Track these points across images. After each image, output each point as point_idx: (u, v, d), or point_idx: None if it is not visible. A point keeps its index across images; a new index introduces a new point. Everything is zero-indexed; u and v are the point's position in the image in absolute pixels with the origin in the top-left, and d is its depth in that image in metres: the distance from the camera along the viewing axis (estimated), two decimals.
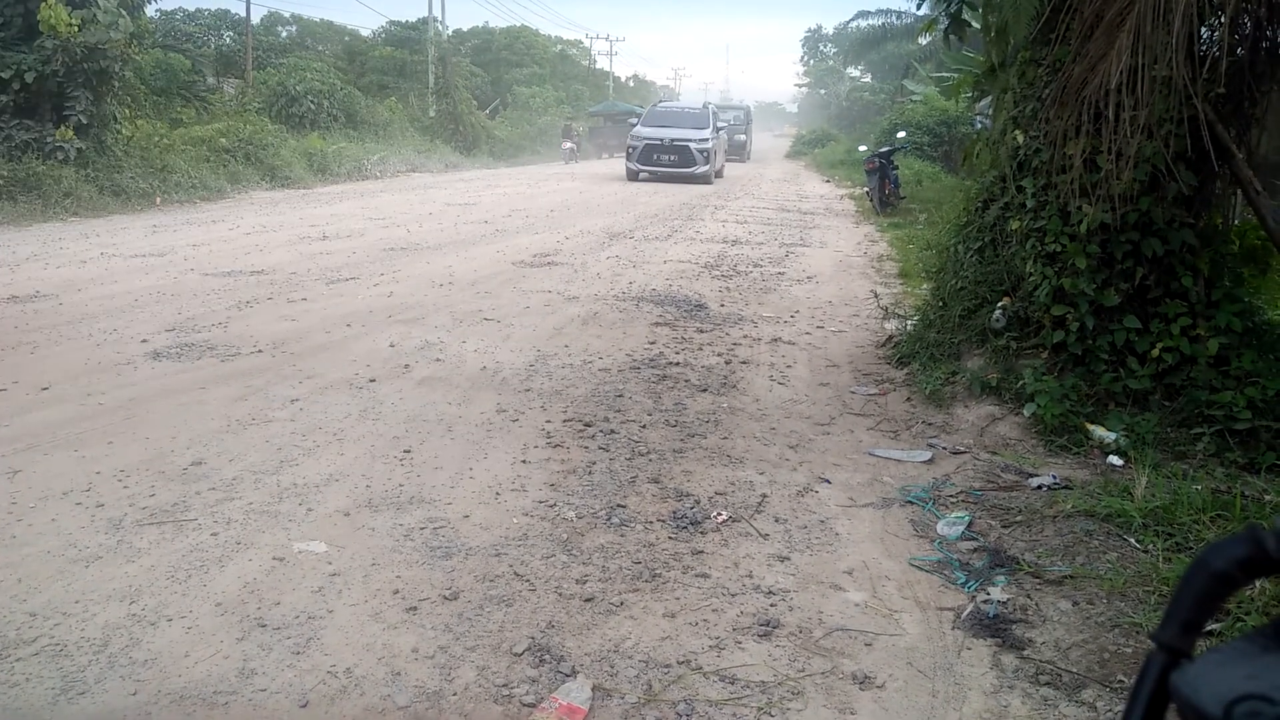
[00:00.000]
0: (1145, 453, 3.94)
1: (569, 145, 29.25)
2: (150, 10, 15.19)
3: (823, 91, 59.19)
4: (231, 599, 2.81)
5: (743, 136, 33.52)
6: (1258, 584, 2.73)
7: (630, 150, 21.87)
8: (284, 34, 37.49)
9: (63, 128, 12.29)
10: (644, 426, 4.53)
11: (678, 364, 5.73)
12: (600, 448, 4.22)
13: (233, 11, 34.02)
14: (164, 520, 3.32)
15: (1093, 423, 4.32)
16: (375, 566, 3.04)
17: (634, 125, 22.83)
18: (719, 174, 23.47)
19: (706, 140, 21.25)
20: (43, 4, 11.92)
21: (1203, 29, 4.17)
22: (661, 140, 21.25)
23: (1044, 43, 4.76)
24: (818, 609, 2.89)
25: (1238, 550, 0.56)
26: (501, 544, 3.23)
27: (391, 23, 38.81)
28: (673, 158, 21.05)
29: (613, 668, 2.54)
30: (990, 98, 6.63)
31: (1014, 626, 2.79)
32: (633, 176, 21.55)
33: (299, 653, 2.55)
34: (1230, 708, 0.51)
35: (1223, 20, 4.13)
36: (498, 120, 32.94)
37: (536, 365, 5.57)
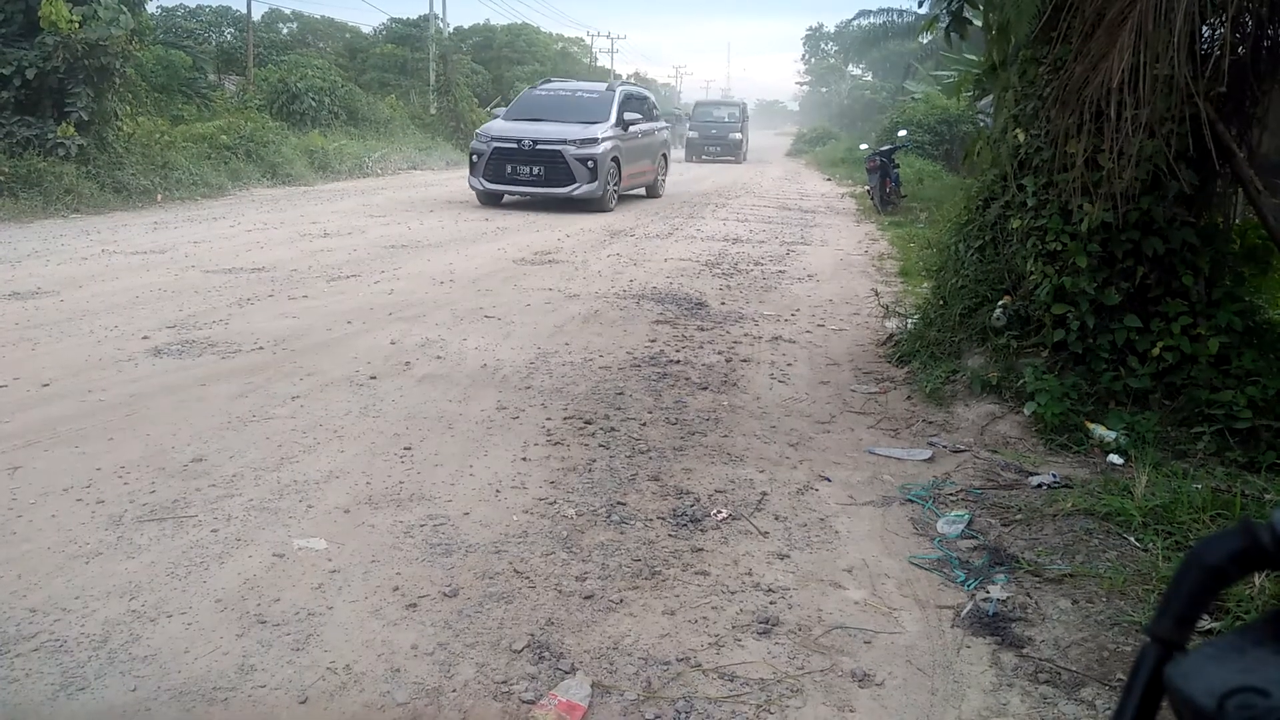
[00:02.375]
0: (1145, 451, 3.95)
1: None
2: (151, 7, 15.18)
3: (824, 90, 59.19)
4: (231, 595, 2.81)
5: (738, 135, 31.81)
6: (1257, 582, 2.73)
7: (473, 159, 13.62)
8: (285, 31, 37.40)
9: (64, 124, 12.26)
10: (644, 424, 4.54)
11: (678, 362, 5.73)
12: (600, 445, 4.22)
13: (234, 8, 33.96)
14: (164, 517, 3.33)
15: (1093, 421, 4.32)
16: (375, 563, 3.05)
17: (495, 114, 14.92)
18: (654, 191, 16.01)
19: (596, 143, 13.24)
20: (44, 0, 11.91)
21: (1204, 28, 4.17)
22: (519, 143, 13.17)
23: (1045, 41, 4.75)
24: (817, 607, 2.89)
25: (1231, 544, 0.56)
26: (501, 541, 3.24)
27: (392, 20, 38.73)
28: (535, 171, 13.20)
29: (612, 665, 2.54)
30: (991, 96, 6.63)
31: (1013, 625, 2.80)
32: (486, 199, 13.76)
33: (298, 649, 2.56)
34: (1223, 700, 0.51)
35: (1224, 19, 4.13)
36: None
37: (537, 363, 5.57)
